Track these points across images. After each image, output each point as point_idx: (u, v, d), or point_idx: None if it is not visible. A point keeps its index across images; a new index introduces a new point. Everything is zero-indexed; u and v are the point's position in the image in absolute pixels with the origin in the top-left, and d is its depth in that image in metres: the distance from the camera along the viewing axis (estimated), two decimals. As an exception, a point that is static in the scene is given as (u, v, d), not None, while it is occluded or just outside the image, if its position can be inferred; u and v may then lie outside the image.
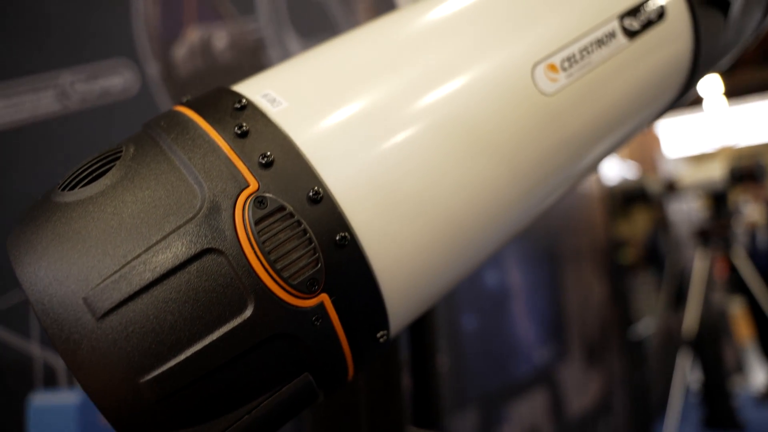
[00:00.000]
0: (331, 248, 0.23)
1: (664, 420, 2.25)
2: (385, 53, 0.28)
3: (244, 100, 0.25)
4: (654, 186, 2.49)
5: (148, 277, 0.21)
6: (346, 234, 0.24)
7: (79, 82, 0.82)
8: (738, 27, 0.43)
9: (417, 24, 0.30)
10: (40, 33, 0.78)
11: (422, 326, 0.49)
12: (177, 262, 0.21)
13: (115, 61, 0.86)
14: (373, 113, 0.26)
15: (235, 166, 0.23)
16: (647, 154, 3.24)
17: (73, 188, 0.23)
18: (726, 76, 4.73)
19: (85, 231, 0.21)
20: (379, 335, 0.26)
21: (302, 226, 0.23)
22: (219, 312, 0.21)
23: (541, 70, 0.29)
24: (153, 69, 0.90)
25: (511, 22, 0.30)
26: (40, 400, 0.59)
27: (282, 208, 0.23)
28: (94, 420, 0.56)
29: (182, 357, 0.21)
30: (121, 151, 0.24)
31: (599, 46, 0.31)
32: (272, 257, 0.22)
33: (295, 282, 0.22)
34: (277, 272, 0.22)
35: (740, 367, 3.06)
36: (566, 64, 0.30)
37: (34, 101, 0.78)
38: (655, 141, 3.44)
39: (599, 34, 0.31)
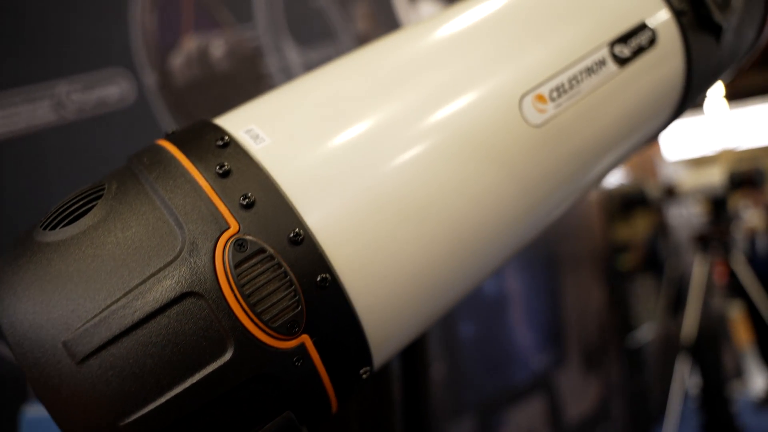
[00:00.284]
0: (312, 289, 0.23)
1: (663, 426, 2.24)
2: (370, 88, 0.28)
3: (226, 137, 0.25)
4: (653, 191, 2.48)
5: (128, 321, 0.20)
6: (327, 275, 0.24)
7: (75, 92, 0.82)
8: (731, 48, 0.43)
9: (403, 56, 0.30)
10: (36, 43, 0.78)
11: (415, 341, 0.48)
12: (157, 306, 0.21)
13: (112, 71, 0.86)
14: (356, 152, 0.26)
15: (216, 208, 0.23)
16: (647, 158, 3.24)
17: (54, 228, 0.23)
18: (726, 79, 4.71)
19: (66, 273, 0.21)
20: (362, 371, 0.26)
21: (282, 268, 0.23)
22: (199, 355, 0.21)
23: (529, 101, 0.29)
24: (150, 78, 0.90)
25: (499, 53, 0.30)
26: (34, 412, 0.58)
27: (262, 251, 0.23)
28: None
29: (163, 400, 0.21)
30: (104, 189, 0.24)
31: (589, 75, 0.31)
32: (252, 300, 0.22)
33: (276, 324, 0.22)
34: (257, 315, 0.22)
35: (739, 373, 3.06)
36: (555, 94, 0.30)
37: (29, 111, 0.78)
38: (655, 144, 3.43)
39: (589, 62, 0.31)
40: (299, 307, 0.23)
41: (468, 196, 0.27)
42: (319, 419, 0.26)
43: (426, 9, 1.49)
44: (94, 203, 0.24)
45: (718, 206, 2.32)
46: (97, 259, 0.21)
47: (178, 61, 0.97)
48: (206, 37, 1.02)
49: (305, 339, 0.23)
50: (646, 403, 2.50)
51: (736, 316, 3.13)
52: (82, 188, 0.25)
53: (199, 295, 0.21)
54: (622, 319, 2.40)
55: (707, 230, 2.33)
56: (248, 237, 0.23)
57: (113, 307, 0.21)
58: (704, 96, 0.46)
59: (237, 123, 0.27)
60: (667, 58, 0.36)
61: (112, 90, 0.87)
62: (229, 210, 0.23)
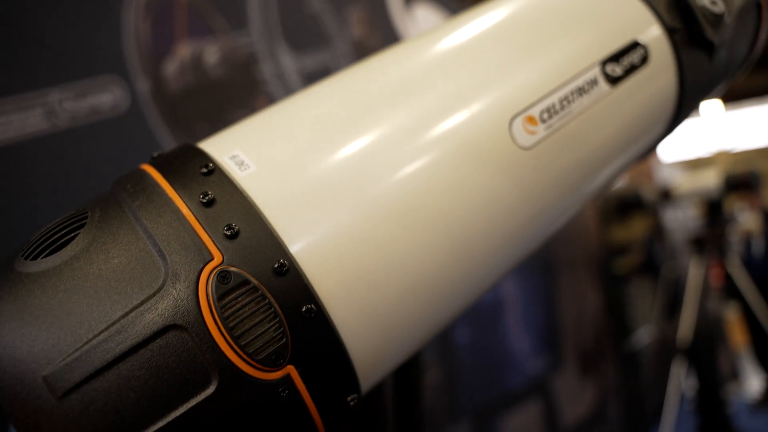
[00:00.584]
0: (298, 320, 0.23)
1: (659, 428, 2.25)
2: (358, 113, 0.28)
3: (210, 164, 0.25)
4: (649, 194, 2.49)
5: (110, 356, 0.20)
6: (312, 306, 0.23)
7: (67, 100, 0.82)
8: (724, 63, 0.42)
9: (391, 79, 0.29)
10: (28, 51, 0.78)
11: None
12: (139, 340, 0.21)
13: (105, 78, 0.85)
14: (343, 180, 0.25)
15: (199, 238, 0.23)
16: (642, 161, 3.25)
17: (35, 258, 0.23)
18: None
19: (47, 306, 0.21)
20: (349, 399, 0.25)
21: (267, 300, 0.22)
22: (183, 389, 0.21)
23: (519, 123, 0.29)
24: (143, 86, 0.90)
25: (489, 74, 0.30)
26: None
27: (246, 283, 0.22)
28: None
29: None
30: (87, 216, 0.24)
31: (580, 95, 0.31)
32: (236, 333, 0.22)
33: (260, 357, 0.22)
34: (242, 348, 0.22)
35: (735, 375, 3.06)
36: (545, 116, 0.29)
37: (21, 120, 0.77)
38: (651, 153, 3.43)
39: (580, 82, 0.31)
40: (284, 339, 0.23)
41: (456, 223, 0.27)
42: None
43: (421, 14, 1.49)
44: (76, 232, 0.23)
45: (714, 209, 2.33)
46: (79, 291, 0.21)
47: (171, 68, 0.96)
48: (200, 43, 1.01)
49: (291, 370, 0.23)
50: (642, 406, 2.51)
51: (732, 317, 3.14)
52: (65, 215, 0.25)
53: (182, 328, 0.21)
54: (618, 322, 2.40)
55: (703, 233, 2.34)
56: (232, 268, 0.22)
57: (95, 340, 0.20)
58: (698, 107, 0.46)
59: (222, 148, 0.27)
60: (660, 75, 0.35)
61: (105, 98, 0.87)
62: (213, 240, 0.23)
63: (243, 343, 0.22)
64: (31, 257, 0.23)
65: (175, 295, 0.21)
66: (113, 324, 0.21)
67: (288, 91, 1.16)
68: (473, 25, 0.32)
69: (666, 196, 2.44)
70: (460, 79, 0.29)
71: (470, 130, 0.28)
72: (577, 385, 2.00)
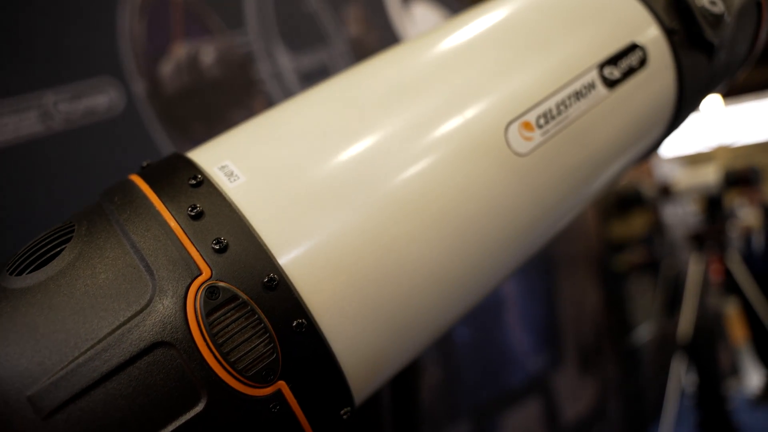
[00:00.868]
0: (288, 335, 0.23)
1: (659, 424, 2.25)
2: (350, 121, 0.27)
3: (199, 176, 0.24)
4: (649, 190, 2.49)
5: (96, 374, 0.20)
6: (303, 320, 0.23)
7: (62, 102, 0.81)
8: (723, 64, 0.42)
9: (384, 84, 0.29)
10: (22, 52, 0.77)
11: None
12: (126, 357, 0.20)
13: (100, 80, 0.85)
14: (334, 192, 0.25)
15: (187, 253, 0.22)
16: (642, 157, 3.24)
17: (21, 273, 0.22)
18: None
19: (33, 323, 0.20)
20: (342, 412, 0.25)
21: (256, 315, 0.22)
22: (171, 406, 0.20)
23: (515, 129, 0.28)
24: (139, 87, 0.89)
25: (484, 79, 0.29)
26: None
27: (235, 298, 0.22)
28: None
29: None
30: (73, 230, 0.23)
31: (578, 99, 0.30)
32: (225, 349, 0.21)
33: (250, 373, 0.22)
34: (231, 364, 0.21)
35: (735, 370, 3.07)
36: (542, 121, 0.29)
37: (16, 122, 0.77)
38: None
39: (577, 86, 0.30)
40: (274, 355, 0.22)
41: (450, 233, 0.26)
42: None
43: (419, 12, 1.48)
44: (63, 246, 0.23)
45: (714, 205, 2.33)
46: (64, 308, 0.21)
47: (167, 68, 0.96)
48: (196, 43, 1.01)
49: (282, 385, 0.23)
50: (642, 402, 2.51)
51: (732, 313, 3.14)
52: (51, 228, 0.25)
53: (170, 344, 0.21)
54: (618, 319, 2.40)
55: (703, 229, 2.33)
56: (221, 283, 0.22)
57: (81, 359, 0.20)
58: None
59: (212, 158, 0.26)
60: (659, 78, 0.35)
61: (101, 99, 0.86)
62: (201, 255, 0.22)
63: (232, 360, 0.21)
64: (16, 272, 0.22)
65: (163, 312, 0.21)
66: (100, 341, 0.20)
67: (285, 90, 1.15)
68: (467, 29, 0.31)
69: (665, 192, 2.44)
70: (453, 85, 0.28)
71: (464, 138, 0.27)
72: (577, 382, 2.00)
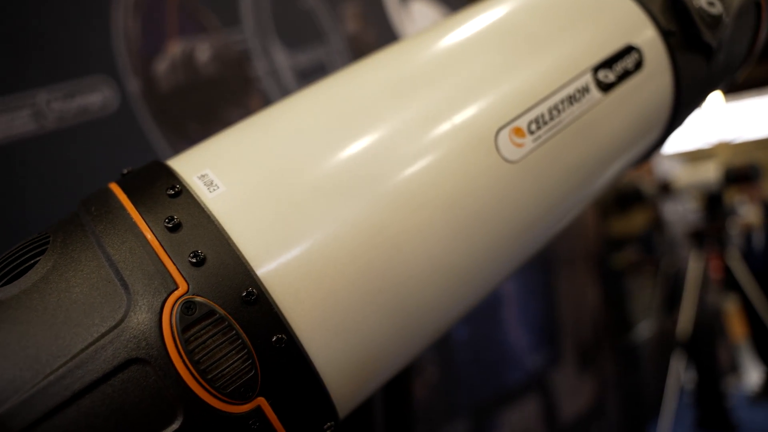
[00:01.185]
0: (268, 351, 0.22)
1: (658, 421, 2.25)
2: (336, 127, 0.26)
3: (178, 186, 0.24)
4: (648, 187, 2.48)
5: (69, 392, 0.19)
6: (283, 335, 0.22)
7: (55, 101, 0.80)
8: (722, 65, 0.41)
9: (371, 88, 0.28)
10: (14, 51, 0.76)
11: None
12: (99, 375, 0.19)
13: (94, 78, 0.84)
14: (316, 201, 0.24)
15: (163, 266, 0.21)
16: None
17: (-7, 286, 0.22)
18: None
19: (3, 339, 0.20)
20: (326, 427, 0.24)
21: (234, 331, 0.21)
22: (146, 425, 0.20)
23: (505, 135, 0.27)
24: (133, 85, 0.88)
25: (473, 84, 0.28)
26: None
27: (212, 313, 0.21)
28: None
29: None
30: (49, 241, 0.23)
31: (571, 103, 0.30)
32: (202, 366, 0.21)
33: (229, 390, 0.21)
34: (208, 381, 0.21)
35: (734, 367, 3.07)
36: (533, 127, 0.28)
37: (8, 121, 0.76)
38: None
39: (571, 90, 0.30)
40: (253, 371, 0.22)
41: (437, 243, 0.25)
42: None
43: (417, 8, 1.47)
44: (37, 259, 0.22)
45: (714, 202, 2.32)
46: (37, 323, 0.20)
47: (162, 66, 0.95)
48: (191, 41, 1.00)
49: (261, 402, 0.22)
50: (641, 400, 2.51)
51: (732, 309, 3.14)
52: (26, 239, 0.24)
53: (144, 361, 0.20)
54: (617, 316, 2.40)
55: (703, 226, 2.33)
56: (198, 298, 0.21)
57: (53, 376, 0.19)
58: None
59: (192, 166, 0.25)
60: (655, 81, 0.34)
61: (94, 98, 0.85)
62: (178, 268, 0.22)
63: (210, 377, 0.21)
64: (-12, 286, 0.22)
65: (138, 327, 0.20)
66: (72, 358, 0.20)
67: (282, 88, 1.14)
68: (455, 33, 0.30)
69: (665, 189, 2.43)
70: (440, 90, 0.28)
71: (452, 146, 0.26)
72: (575, 380, 2.00)
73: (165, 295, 0.21)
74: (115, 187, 0.25)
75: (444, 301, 0.27)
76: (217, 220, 0.23)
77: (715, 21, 0.36)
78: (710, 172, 2.32)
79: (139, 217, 0.23)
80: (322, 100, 0.28)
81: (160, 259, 0.22)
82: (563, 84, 0.30)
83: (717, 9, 0.37)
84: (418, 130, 0.26)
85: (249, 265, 0.23)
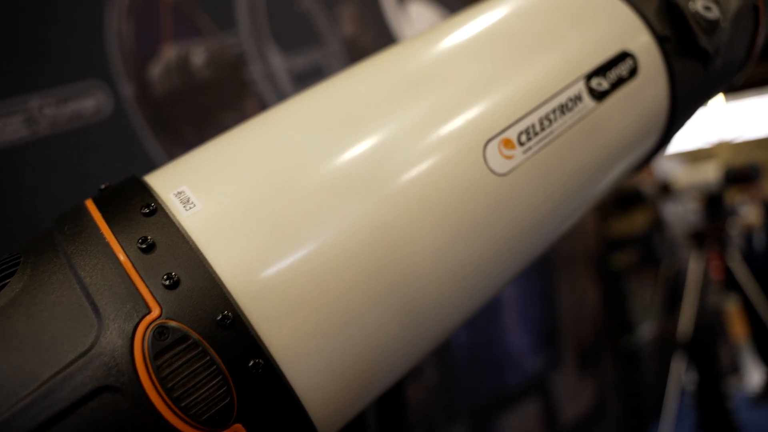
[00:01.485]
0: (244, 376, 0.21)
1: (660, 423, 2.24)
2: (316, 140, 0.26)
3: (153, 204, 0.23)
4: (648, 188, 2.47)
5: (34, 423, 0.18)
6: (260, 360, 0.21)
7: (48, 106, 0.80)
8: (720, 70, 0.40)
9: (355, 102, 0.27)
10: (6, 55, 0.76)
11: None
12: (68, 404, 0.19)
13: (87, 83, 0.83)
14: (295, 220, 0.23)
15: (136, 289, 0.21)
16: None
17: (-41, 310, 0.21)
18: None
19: (-31, 366, 0.19)
20: None
21: (209, 356, 0.21)
22: None
23: (494, 147, 0.26)
24: (127, 90, 0.88)
25: (461, 94, 0.27)
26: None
27: (185, 338, 0.20)
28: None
29: None
30: (19, 262, 0.22)
31: (563, 113, 0.29)
32: (175, 394, 0.20)
33: (204, 417, 0.20)
34: (182, 409, 0.20)
35: (735, 368, 3.06)
36: (524, 138, 0.27)
37: (0, 127, 0.75)
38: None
39: (563, 99, 0.29)
40: (229, 397, 0.21)
41: (422, 262, 0.25)
42: None
43: (415, 10, 1.46)
44: (6, 281, 0.21)
45: (714, 202, 2.31)
46: (3, 349, 0.19)
47: (156, 70, 0.94)
48: (186, 45, 0.99)
49: (239, 428, 0.21)
50: (642, 401, 2.50)
51: (732, 309, 3.13)
52: (-2, 258, 0.23)
53: (115, 389, 0.19)
54: (617, 317, 2.39)
55: (703, 227, 2.32)
56: (171, 322, 0.20)
57: (19, 406, 0.18)
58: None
59: (169, 182, 0.25)
60: (650, 88, 0.33)
61: (88, 103, 0.85)
62: (151, 291, 0.21)
63: (183, 404, 0.20)
64: (-46, 310, 0.21)
65: (108, 354, 0.20)
66: (40, 387, 0.19)
67: (278, 91, 1.14)
68: (443, 40, 0.29)
69: (666, 189, 2.42)
70: (428, 100, 0.27)
71: (439, 160, 0.25)
72: (576, 382, 1.99)
73: (137, 320, 0.20)
74: (90, 205, 0.24)
75: (432, 320, 0.26)
76: (192, 240, 0.22)
77: (711, 26, 0.35)
78: (710, 173, 2.31)
79: (113, 237, 0.22)
80: (302, 114, 0.27)
81: (132, 281, 0.21)
82: (554, 93, 0.29)
83: (714, 13, 0.36)
84: (405, 144, 0.25)
85: (224, 286, 0.22)
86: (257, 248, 0.23)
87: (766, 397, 2.78)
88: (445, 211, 0.25)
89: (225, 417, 0.21)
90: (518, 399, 1.64)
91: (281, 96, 1.13)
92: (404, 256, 0.24)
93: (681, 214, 2.94)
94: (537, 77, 0.29)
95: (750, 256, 2.74)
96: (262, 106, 1.06)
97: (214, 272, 0.22)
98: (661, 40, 0.34)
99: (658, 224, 2.74)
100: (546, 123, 0.28)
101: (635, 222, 2.65)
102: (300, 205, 0.24)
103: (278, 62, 1.13)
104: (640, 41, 0.33)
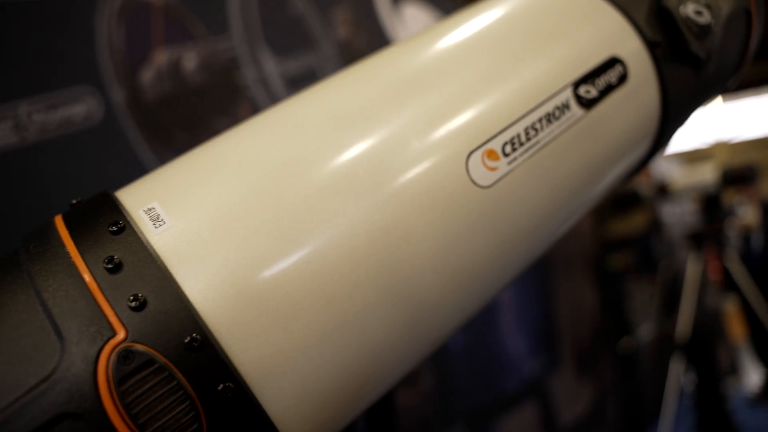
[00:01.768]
0: (214, 401, 0.20)
1: (658, 424, 2.24)
2: (293, 153, 0.25)
3: (121, 222, 0.22)
4: (646, 189, 2.47)
5: None
6: (230, 383, 0.21)
7: (37, 113, 0.79)
8: (712, 75, 0.40)
9: (334, 110, 0.26)
10: (-5, 62, 0.75)
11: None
12: None
13: (77, 89, 0.83)
14: (269, 236, 0.23)
15: (101, 311, 0.20)
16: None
17: None
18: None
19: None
20: None
21: (175, 381, 0.20)
22: None
23: (477, 158, 0.25)
24: (118, 95, 0.87)
25: (443, 103, 0.26)
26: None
27: (151, 362, 0.20)
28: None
29: None
30: (-16, 282, 0.21)
31: (549, 122, 0.28)
32: (141, 420, 0.19)
33: None
34: None
35: (734, 369, 3.05)
36: (508, 148, 0.26)
37: (-11, 134, 0.75)
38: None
39: (549, 107, 0.28)
40: (197, 423, 0.20)
41: (402, 277, 0.24)
42: None
43: (409, 13, 1.46)
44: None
45: (712, 203, 2.31)
46: (-39, 376, 0.18)
47: (147, 75, 0.93)
48: (178, 49, 0.98)
49: None
50: (641, 403, 2.49)
51: (731, 309, 3.13)
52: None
53: (77, 416, 0.19)
54: (615, 319, 2.38)
55: (701, 228, 2.32)
56: (137, 345, 0.20)
57: None
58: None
59: (139, 198, 0.24)
60: (640, 95, 0.32)
61: (78, 109, 0.84)
62: (116, 313, 0.20)
63: (149, 431, 0.19)
64: None
65: (70, 379, 0.19)
66: (-3, 415, 0.18)
67: (271, 96, 1.13)
68: (424, 48, 0.29)
69: (663, 190, 2.42)
70: (409, 111, 0.26)
71: (420, 172, 0.25)
72: (574, 384, 1.98)
73: (101, 344, 0.20)
74: (59, 222, 0.23)
75: (412, 336, 0.25)
76: (160, 260, 0.21)
77: (703, 30, 0.35)
78: (708, 174, 2.31)
79: (79, 256, 0.21)
80: (276, 128, 0.26)
81: (97, 303, 0.20)
82: (541, 102, 0.28)
83: (705, 18, 0.35)
84: (384, 154, 0.25)
85: (193, 307, 0.21)
86: (228, 267, 0.22)
87: (764, 398, 2.77)
88: (429, 226, 0.24)
89: None
90: (516, 402, 1.63)
91: (274, 100, 1.12)
92: (384, 273, 0.23)
93: (679, 215, 2.94)
94: (522, 85, 0.28)
95: (748, 257, 2.74)
96: (255, 110, 1.05)
97: (182, 292, 0.21)
98: (652, 46, 0.33)
99: (655, 225, 2.74)
100: (532, 133, 0.27)
101: (633, 223, 2.65)
102: (273, 223, 0.23)
103: (271, 66, 1.12)
104: (630, 47, 0.32)
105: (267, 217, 0.23)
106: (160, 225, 0.22)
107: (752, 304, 2.33)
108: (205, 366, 0.20)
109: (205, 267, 0.22)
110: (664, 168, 2.88)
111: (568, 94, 0.29)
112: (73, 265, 0.21)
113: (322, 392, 0.23)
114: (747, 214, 2.93)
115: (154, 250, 0.22)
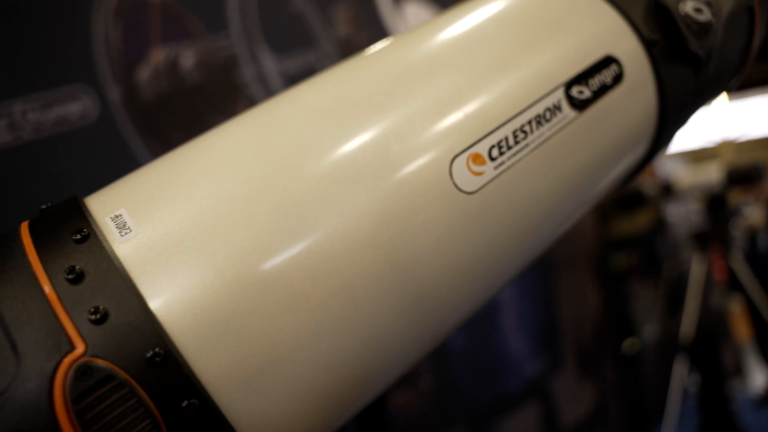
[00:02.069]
0: (178, 418, 0.19)
1: (662, 425, 2.22)
2: (269, 159, 0.24)
3: (86, 229, 0.21)
4: (650, 188, 2.45)
5: None
6: (194, 400, 0.20)
7: (31, 111, 0.78)
8: (713, 75, 0.38)
9: (315, 109, 0.25)
10: (-11, 60, 0.74)
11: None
12: None
13: (73, 87, 0.82)
14: (240, 246, 0.22)
15: (60, 324, 0.19)
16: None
17: None
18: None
19: None
20: None
21: (136, 398, 0.19)
22: None
23: (462, 163, 0.24)
24: (114, 94, 0.86)
25: (427, 105, 0.25)
26: None
27: (111, 378, 0.19)
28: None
29: None
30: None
31: (540, 124, 0.27)
32: None
33: None
34: None
35: (739, 370, 3.03)
36: (495, 152, 0.25)
37: (-17, 133, 0.74)
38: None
39: (539, 109, 0.27)
40: None
41: (382, 288, 0.23)
42: None
43: (411, 10, 1.44)
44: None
45: (717, 203, 2.29)
46: None
47: (144, 74, 0.93)
48: (175, 47, 0.98)
49: None
50: (644, 404, 2.48)
51: (736, 309, 3.11)
52: None
53: None
54: (618, 320, 2.37)
55: (706, 227, 2.30)
56: (96, 360, 0.19)
57: None
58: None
59: (108, 204, 0.23)
60: (637, 95, 0.31)
61: (73, 107, 0.83)
62: (76, 326, 0.19)
63: None
64: None
65: (25, 397, 0.18)
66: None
67: (270, 94, 1.12)
68: (409, 47, 0.27)
69: (668, 190, 2.40)
70: (393, 113, 0.25)
71: (402, 176, 0.24)
72: (576, 385, 1.97)
73: (59, 358, 0.19)
74: (24, 229, 0.22)
75: (391, 348, 0.24)
76: (123, 270, 0.20)
77: (703, 29, 0.33)
78: (713, 173, 2.29)
79: (40, 266, 0.20)
80: (255, 129, 0.25)
81: (56, 315, 0.19)
82: (530, 103, 0.27)
83: (705, 16, 0.34)
84: (364, 158, 0.24)
85: (156, 320, 0.20)
86: (194, 278, 0.21)
87: (770, 400, 2.75)
88: (411, 234, 0.23)
89: None
90: (517, 403, 1.62)
91: (273, 99, 1.11)
92: (359, 284, 0.22)
93: (683, 214, 2.91)
94: (511, 86, 0.27)
95: (753, 257, 2.71)
96: (253, 109, 1.04)
97: (145, 305, 0.20)
98: (649, 45, 0.32)
99: (660, 225, 2.72)
100: (521, 136, 0.26)
101: (637, 223, 2.63)
102: (244, 233, 0.22)
103: (270, 65, 1.12)
104: (626, 46, 0.31)
105: (238, 225, 0.22)
106: (126, 233, 0.21)
107: (757, 304, 2.31)
108: (168, 382, 0.20)
109: (171, 278, 0.21)
110: (668, 167, 2.85)
111: (559, 95, 0.28)
112: (32, 275, 0.20)
113: (297, 407, 0.22)
114: (753, 213, 2.90)
115: (118, 260, 0.21)
